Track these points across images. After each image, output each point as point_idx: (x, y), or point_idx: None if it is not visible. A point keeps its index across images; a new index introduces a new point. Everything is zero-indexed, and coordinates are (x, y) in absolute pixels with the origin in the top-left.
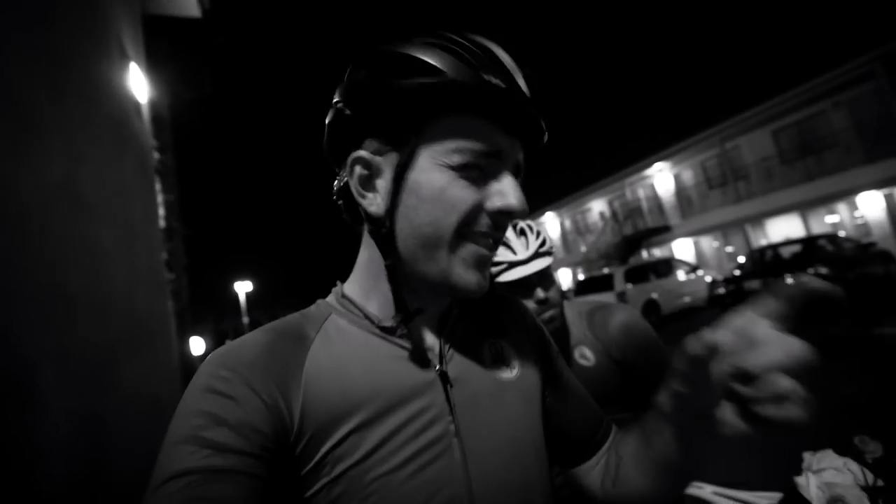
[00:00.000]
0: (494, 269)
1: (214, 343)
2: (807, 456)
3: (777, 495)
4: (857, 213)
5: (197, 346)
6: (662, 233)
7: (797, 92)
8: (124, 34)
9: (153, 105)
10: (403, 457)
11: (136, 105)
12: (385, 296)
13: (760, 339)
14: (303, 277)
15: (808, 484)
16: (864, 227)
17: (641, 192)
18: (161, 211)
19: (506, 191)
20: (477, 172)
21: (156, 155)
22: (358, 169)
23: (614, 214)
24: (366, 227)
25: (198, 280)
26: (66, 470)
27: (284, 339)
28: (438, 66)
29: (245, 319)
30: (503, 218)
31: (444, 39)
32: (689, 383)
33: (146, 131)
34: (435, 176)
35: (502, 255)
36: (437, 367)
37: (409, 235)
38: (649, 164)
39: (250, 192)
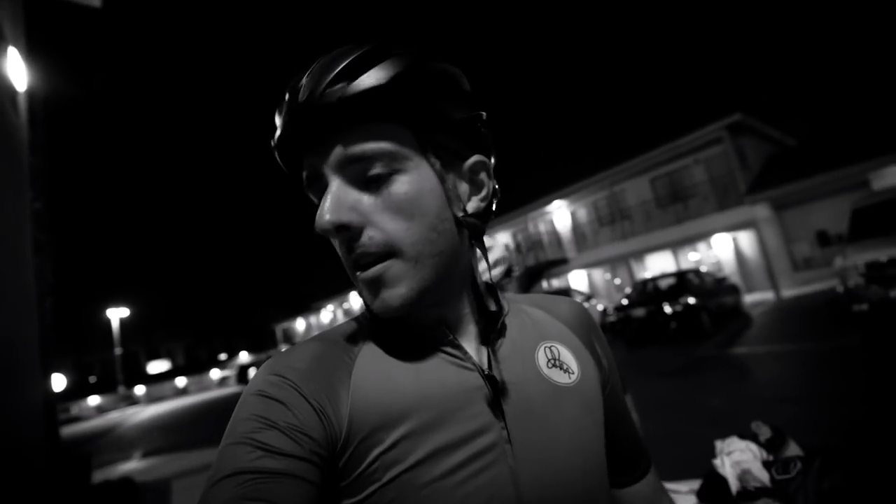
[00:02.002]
0: None
1: (76, 379)
2: (717, 443)
3: (697, 481)
4: (711, 252)
5: (58, 383)
6: (561, 264)
7: (667, 148)
8: (2, 12)
9: (30, 96)
10: (454, 463)
11: (12, 94)
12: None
13: None
14: (191, 304)
15: (723, 464)
16: (718, 264)
17: (542, 227)
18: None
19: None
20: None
21: (27, 155)
22: None
23: (518, 246)
24: None
25: (62, 303)
26: None
27: (333, 347)
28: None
29: (118, 350)
30: (336, 237)
31: None
32: None
33: (22, 126)
34: None
35: None
36: (487, 372)
37: None
38: (549, 202)
39: (133, 204)
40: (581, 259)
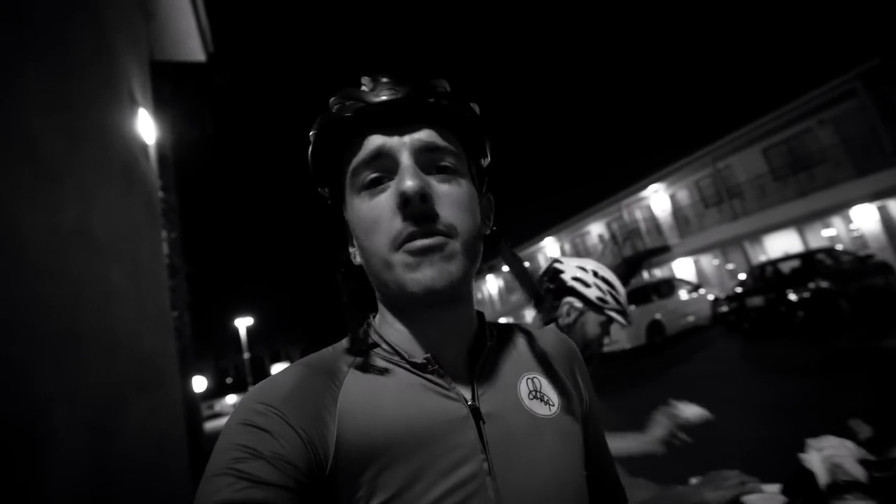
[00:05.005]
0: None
1: (216, 381)
2: (810, 441)
3: (777, 485)
4: (852, 226)
5: (199, 384)
6: (662, 253)
7: (783, 111)
8: (134, 82)
9: (158, 146)
10: (436, 494)
11: (144, 147)
12: (402, 328)
13: None
14: (304, 312)
15: (812, 459)
16: (861, 240)
17: (639, 214)
18: (164, 249)
19: (399, 178)
20: (376, 181)
21: (160, 194)
22: (338, 232)
23: (613, 236)
24: None
25: (199, 317)
26: None
27: (318, 374)
28: (315, 126)
29: (246, 355)
30: (409, 206)
31: (330, 100)
32: None
33: (152, 171)
34: (355, 207)
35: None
36: (469, 403)
37: (370, 271)
38: (644, 186)
39: (250, 227)
40: (685, 245)
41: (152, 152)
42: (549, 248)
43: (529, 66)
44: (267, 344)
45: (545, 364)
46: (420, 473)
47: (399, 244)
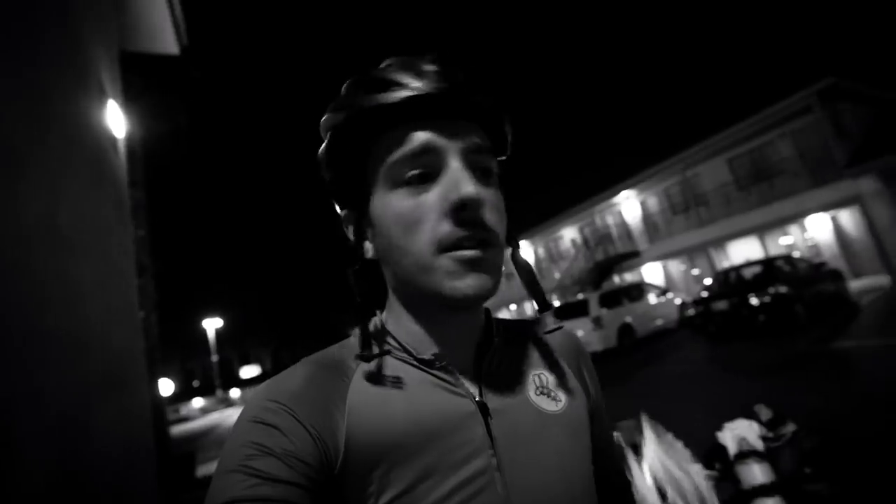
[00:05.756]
0: None
1: (182, 383)
2: (725, 423)
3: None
4: (807, 235)
5: (166, 387)
6: (632, 258)
7: (747, 124)
8: (103, 72)
9: (128, 140)
10: (446, 490)
11: (114, 141)
12: (414, 326)
13: None
14: (274, 313)
15: (725, 436)
16: (815, 248)
17: (610, 219)
18: (132, 246)
19: (453, 181)
20: (421, 178)
21: (128, 189)
22: (351, 225)
23: (585, 241)
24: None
25: (166, 317)
26: None
27: (327, 371)
28: (349, 102)
29: (214, 357)
30: (463, 212)
31: (358, 79)
32: None
33: (122, 166)
34: (390, 202)
35: None
36: (477, 399)
37: (397, 269)
38: (616, 192)
39: (221, 226)
40: (654, 251)
41: (122, 146)
42: (524, 251)
43: (505, 71)
44: (236, 346)
45: (552, 360)
46: (430, 470)
47: (444, 248)
